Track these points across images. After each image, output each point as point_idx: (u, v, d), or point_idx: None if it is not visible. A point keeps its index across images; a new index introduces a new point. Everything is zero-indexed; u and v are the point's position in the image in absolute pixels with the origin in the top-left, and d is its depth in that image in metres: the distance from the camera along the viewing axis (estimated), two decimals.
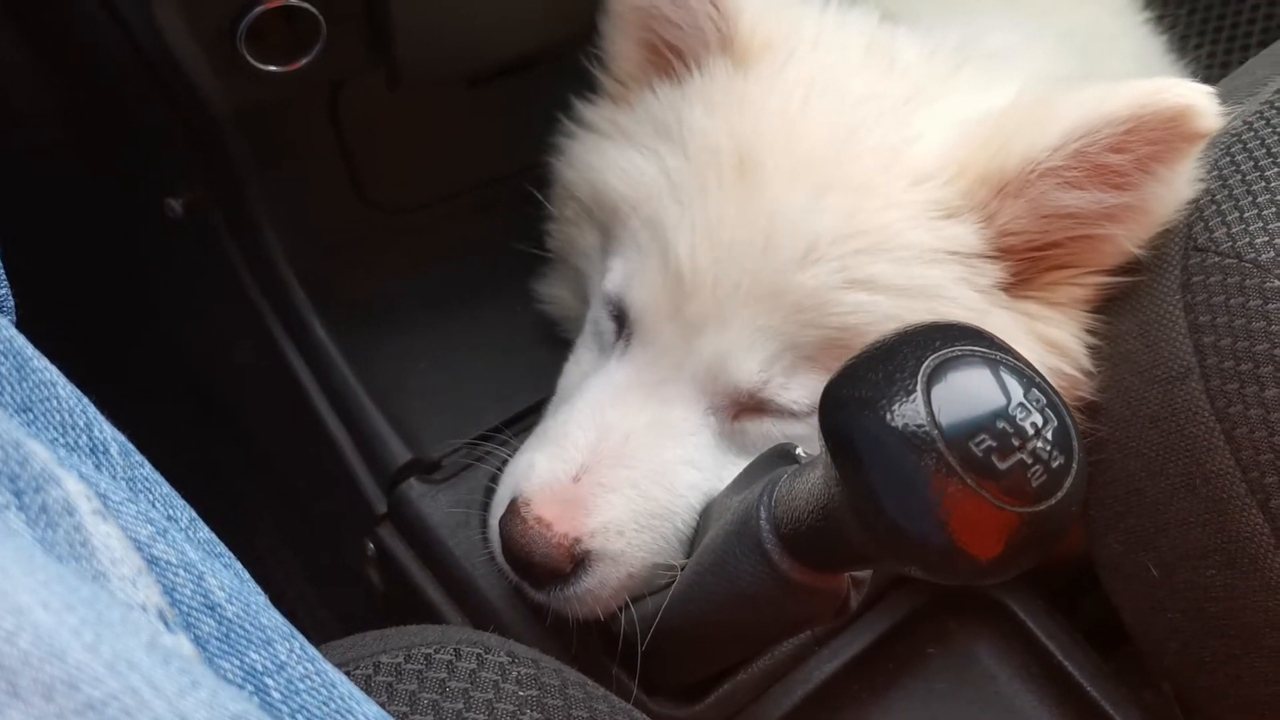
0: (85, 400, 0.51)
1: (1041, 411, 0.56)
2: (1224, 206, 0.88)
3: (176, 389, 1.45)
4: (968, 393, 0.56)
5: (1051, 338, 0.90)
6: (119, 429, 0.52)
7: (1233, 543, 0.85)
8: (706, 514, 0.90)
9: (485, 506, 1.04)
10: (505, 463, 1.01)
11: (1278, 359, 0.81)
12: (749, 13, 0.93)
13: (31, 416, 0.47)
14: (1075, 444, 0.57)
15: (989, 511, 0.55)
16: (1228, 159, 0.91)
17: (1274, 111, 0.92)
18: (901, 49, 0.96)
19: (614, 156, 0.99)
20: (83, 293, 1.38)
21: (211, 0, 0.87)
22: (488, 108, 1.18)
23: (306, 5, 0.91)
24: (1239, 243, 0.85)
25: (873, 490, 0.57)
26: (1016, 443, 0.55)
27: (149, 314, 1.41)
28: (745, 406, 0.92)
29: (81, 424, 0.49)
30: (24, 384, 0.48)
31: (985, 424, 0.55)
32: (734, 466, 0.91)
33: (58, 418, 0.48)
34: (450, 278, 1.22)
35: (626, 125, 1.00)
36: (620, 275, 0.96)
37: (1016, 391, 0.57)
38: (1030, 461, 0.55)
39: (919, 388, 0.56)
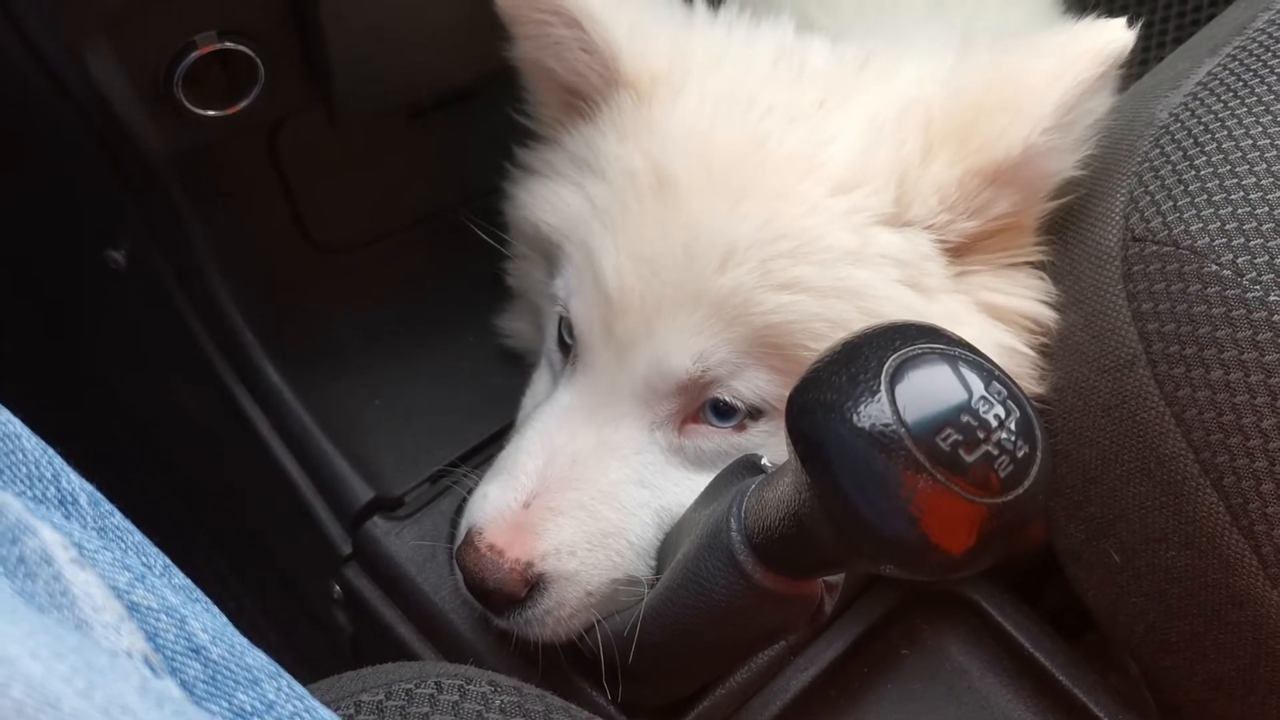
0: (50, 451, 0.50)
1: (1004, 403, 0.57)
2: (1158, 197, 0.90)
3: (124, 440, 1.42)
4: (931, 390, 0.58)
5: (1004, 305, 0.93)
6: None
7: (1190, 524, 0.87)
8: (677, 531, 0.90)
9: (451, 539, 1.04)
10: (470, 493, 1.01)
11: (1220, 340, 0.83)
12: (625, 50, 0.95)
13: None
14: (1038, 433, 0.58)
15: (959, 505, 0.56)
16: (1157, 150, 0.93)
17: (1197, 103, 0.95)
18: (812, 56, 0.98)
19: (544, 193, 1.01)
20: (22, 348, 1.35)
21: (146, 48, 0.87)
22: (428, 140, 1.18)
23: (243, 48, 0.90)
24: (1175, 230, 0.88)
25: (843, 492, 0.58)
26: (981, 435, 0.56)
27: (94, 366, 1.39)
28: (689, 413, 0.93)
29: (49, 475, 0.49)
30: None
31: (950, 419, 0.56)
32: (688, 481, 0.93)
33: (24, 470, 0.48)
34: (400, 311, 1.22)
35: (555, 162, 1.03)
36: (562, 295, 0.97)
37: (978, 385, 0.58)
38: (996, 453, 0.56)
39: (883, 388, 0.57)
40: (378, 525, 1.06)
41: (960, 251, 0.91)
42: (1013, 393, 0.58)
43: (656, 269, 0.89)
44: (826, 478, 0.59)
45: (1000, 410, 0.57)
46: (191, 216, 1.06)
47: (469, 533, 0.92)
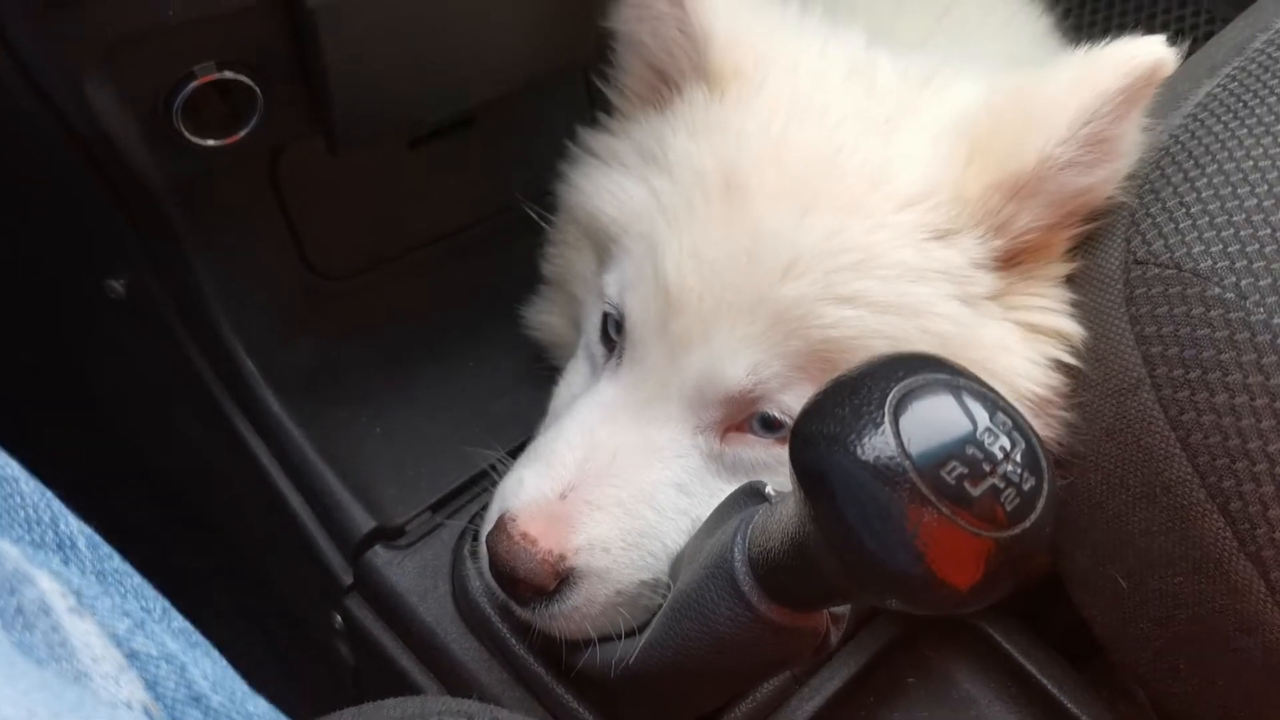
0: (49, 494, 0.49)
1: (1009, 435, 0.57)
2: (1159, 219, 0.90)
3: (125, 469, 1.42)
4: (935, 421, 0.57)
5: (1042, 324, 0.92)
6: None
7: (1197, 549, 0.86)
8: (679, 559, 0.90)
9: (453, 568, 1.03)
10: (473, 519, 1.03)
11: (1224, 364, 0.83)
12: (718, 40, 0.96)
13: None
14: (1044, 464, 0.57)
15: (965, 539, 0.55)
16: (1158, 172, 0.93)
17: (1197, 124, 0.95)
18: (880, 70, 0.99)
19: (605, 181, 1.01)
20: (21, 379, 1.35)
21: (145, 78, 0.86)
22: (428, 165, 1.18)
23: (242, 78, 0.90)
24: (1177, 253, 0.87)
25: (848, 526, 0.58)
26: (987, 468, 0.56)
27: (94, 395, 1.38)
28: (734, 423, 0.92)
29: (47, 519, 0.48)
30: None
31: (955, 451, 0.56)
32: (721, 491, 0.91)
33: (22, 514, 0.47)
34: (400, 338, 1.22)
35: (619, 151, 1.03)
36: (615, 289, 0.97)
37: (982, 416, 0.57)
38: (1002, 486, 0.56)
39: (886, 420, 0.57)
40: (379, 555, 1.06)
41: (1000, 266, 0.91)
42: (1018, 423, 0.58)
43: (718, 271, 0.89)
44: (831, 511, 0.58)
45: (1005, 442, 0.56)
46: (191, 245, 1.06)
47: (502, 518, 0.91)
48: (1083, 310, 0.93)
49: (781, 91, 0.95)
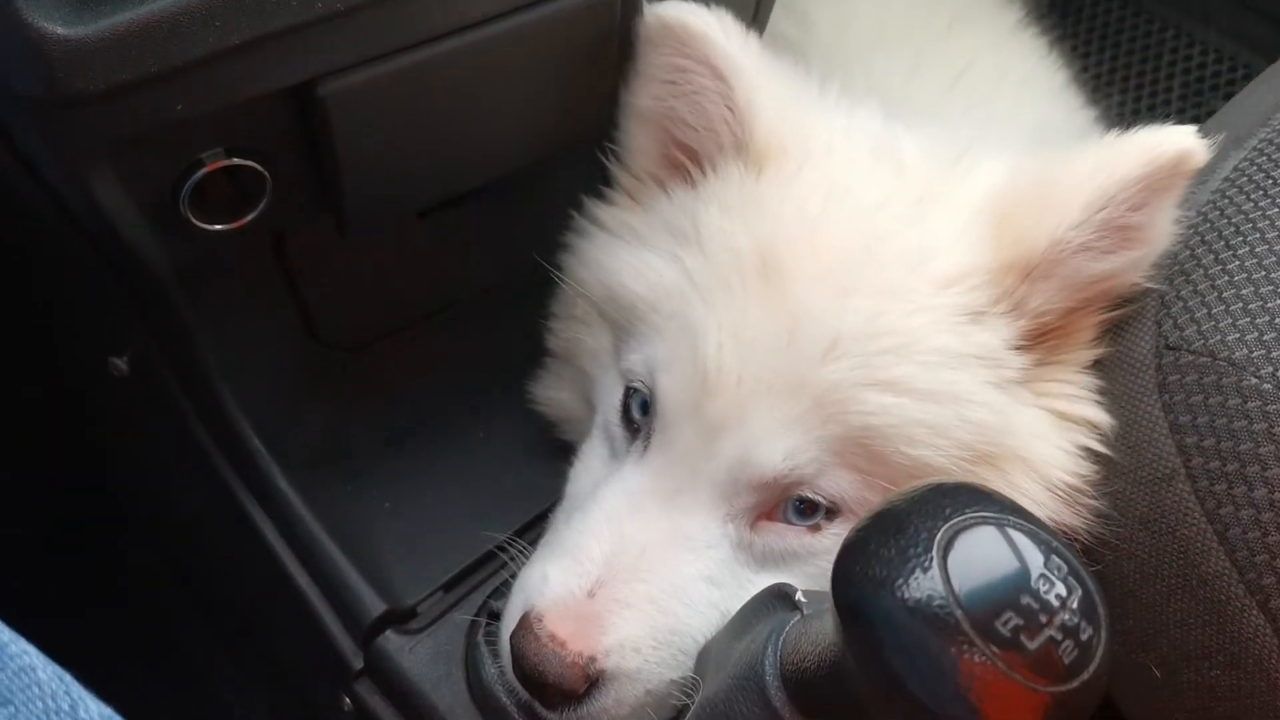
0: (67, 679, 0.47)
1: (1065, 580, 0.55)
2: (1191, 303, 0.88)
3: (135, 547, 1.39)
4: (987, 566, 0.55)
5: (1070, 412, 0.90)
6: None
7: (1235, 644, 0.84)
8: (704, 658, 0.87)
9: (467, 655, 1.01)
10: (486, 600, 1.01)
11: (1264, 458, 0.81)
12: (764, 117, 0.94)
13: (13, 709, 0.44)
14: (1101, 611, 0.55)
15: (1022, 694, 0.53)
16: (1187, 252, 0.91)
17: (1226, 200, 0.93)
18: (905, 149, 0.97)
19: (628, 258, 0.98)
20: (28, 457, 1.32)
21: (152, 169, 0.84)
22: (436, 235, 1.16)
23: (250, 163, 0.88)
24: (1210, 340, 0.85)
25: (895, 673, 0.55)
26: (1044, 618, 0.53)
27: (100, 473, 1.36)
28: (765, 510, 0.90)
29: (66, 707, 0.46)
30: (2, 673, 0.44)
31: (1010, 601, 0.54)
32: (750, 583, 0.90)
33: (40, 705, 0.45)
34: (408, 410, 1.19)
35: (639, 227, 1.00)
36: (643, 368, 0.94)
37: (1036, 560, 0.55)
38: (1060, 637, 0.53)
39: (935, 564, 0.54)
40: (390, 640, 1.03)
41: (1027, 346, 0.89)
42: (1073, 567, 0.56)
43: (758, 352, 0.87)
44: (877, 655, 0.56)
45: (1062, 589, 0.54)
46: (195, 322, 1.04)
47: (527, 617, 0.88)
48: (1114, 396, 0.91)
49: (817, 172, 0.93)
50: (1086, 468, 0.90)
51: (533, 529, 1.09)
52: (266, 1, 0.74)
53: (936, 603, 0.54)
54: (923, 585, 0.54)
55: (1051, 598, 0.54)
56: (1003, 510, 0.58)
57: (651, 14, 0.96)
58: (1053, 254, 0.86)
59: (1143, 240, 0.87)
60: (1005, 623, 0.53)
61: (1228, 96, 1.62)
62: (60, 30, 0.68)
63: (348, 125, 0.86)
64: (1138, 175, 0.83)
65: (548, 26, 0.91)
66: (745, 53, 0.94)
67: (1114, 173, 0.83)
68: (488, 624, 1.01)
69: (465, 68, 0.89)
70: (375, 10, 0.80)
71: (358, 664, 1.05)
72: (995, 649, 0.52)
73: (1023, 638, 0.53)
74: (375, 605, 1.05)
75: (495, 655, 0.95)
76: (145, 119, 0.77)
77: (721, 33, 0.93)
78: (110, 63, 0.71)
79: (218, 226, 0.91)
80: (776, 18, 1.13)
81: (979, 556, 0.55)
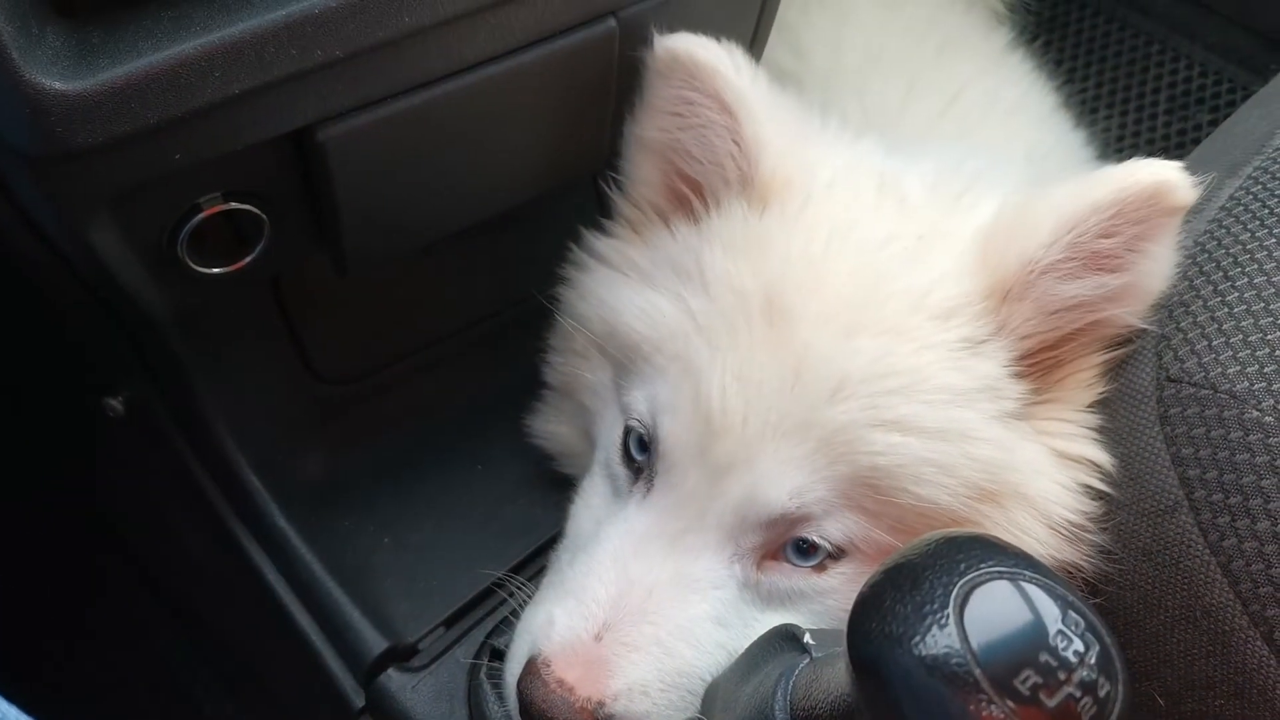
0: None
1: (1082, 636, 0.55)
2: (1191, 335, 0.88)
3: (133, 585, 1.38)
4: (1005, 623, 0.55)
5: (1071, 450, 0.91)
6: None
7: (1239, 674, 0.84)
8: (711, 698, 0.87)
9: (469, 693, 1.00)
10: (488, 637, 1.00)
11: (1266, 491, 0.81)
12: (770, 152, 0.93)
13: None
14: (1119, 666, 0.55)
15: None
16: (1185, 283, 0.92)
17: (1223, 231, 0.93)
18: (908, 184, 0.97)
19: (631, 295, 0.98)
20: (24, 495, 1.31)
21: (150, 216, 0.83)
22: (433, 268, 1.16)
23: (248, 207, 0.87)
24: (1211, 373, 0.85)
25: None
26: (1063, 676, 0.53)
27: (99, 510, 1.35)
28: (770, 550, 0.90)
29: None
30: None
31: (1028, 659, 0.54)
32: (756, 622, 0.90)
33: None
34: (406, 443, 1.19)
35: (641, 263, 1.00)
36: (645, 408, 0.94)
37: (1053, 616, 0.55)
38: (1079, 694, 0.53)
39: (951, 620, 0.54)
40: (392, 679, 1.03)
41: (1023, 374, 0.90)
42: (1089, 622, 0.55)
43: (764, 394, 0.87)
44: (895, 714, 0.56)
45: (1080, 645, 0.54)
46: (192, 361, 1.04)
47: (534, 662, 0.88)
48: (1116, 429, 0.91)
49: (820, 210, 0.93)
50: (1088, 504, 0.90)
51: (533, 563, 1.09)
52: (265, 50, 0.74)
53: (955, 660, 0.53)
54: (940, 642, 0.54)
55: (1070, 654, 0.54)
56: (1017, 564, 0.57)
57: (661, 46, 0.95)
58: (1023, 274, 0.86)
59: (1117, 268, 0.87)
60: (1024, 680, 0.53)
61: (1214, 111, 1.63)
62: (58, 85, 0.68)
63: (347, 169, 0.86)
64: (1109, 201, 0.83)
65: (545, 66, 0.91)
66: (754, 87, 0.94)
67: (1086, 198, 0.84)
68: (490, 662, 1.00)
69: (464, 110, 0.89)
70: (374, 55, 0.79)
71: (359, 702, 1.05)
72: (1013, 706, 0.52)
73: (1042, 695, 0.53)
74: (376, 643, 1.05)
75: (500, 696, 0.95)
76: (144, 169, 0.76)
77: (732, 67, 0.93)
78: (109, 116, 0.70)
79: (215, 270, 0.90)
80: (772, 47, 1.13)
81: (996, 612, 0.55)
